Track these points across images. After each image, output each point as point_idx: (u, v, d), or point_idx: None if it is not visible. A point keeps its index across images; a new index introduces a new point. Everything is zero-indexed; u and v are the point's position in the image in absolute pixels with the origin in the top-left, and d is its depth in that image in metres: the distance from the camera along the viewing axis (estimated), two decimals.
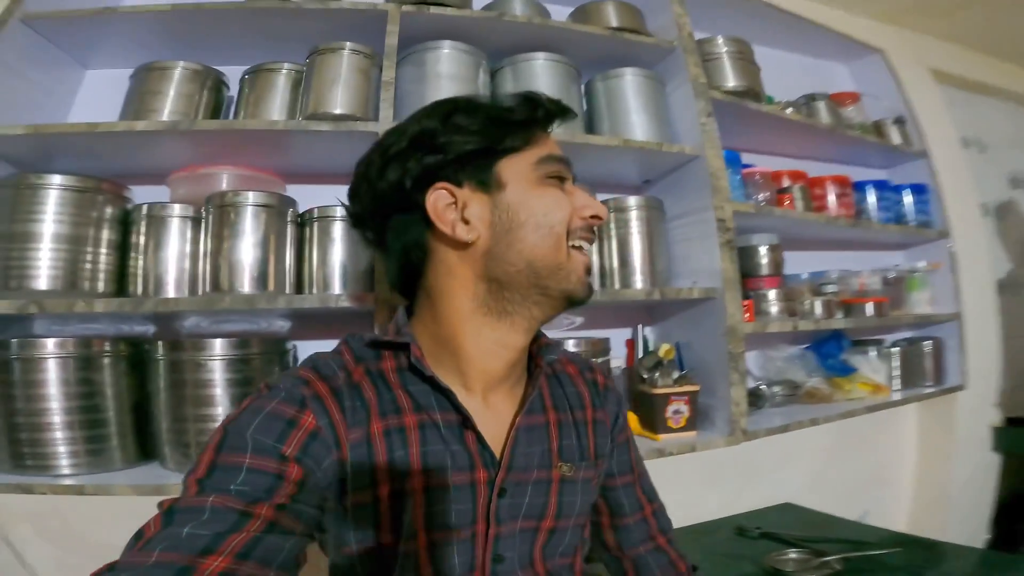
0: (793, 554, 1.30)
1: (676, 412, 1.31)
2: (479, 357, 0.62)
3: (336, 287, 1.15)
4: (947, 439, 1.94)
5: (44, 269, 1.02)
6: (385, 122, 1.10)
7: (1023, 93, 2.55)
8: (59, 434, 1.01)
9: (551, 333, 1.43)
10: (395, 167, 0.61)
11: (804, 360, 1.73)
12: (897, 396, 1.75)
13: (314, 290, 1.14)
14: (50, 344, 1.00)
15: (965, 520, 1.91)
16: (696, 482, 1.61)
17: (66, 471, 1.01)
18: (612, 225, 1.38)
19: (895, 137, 1.96)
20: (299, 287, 1.16)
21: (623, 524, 0.77)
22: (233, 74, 1.26)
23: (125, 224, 1.11)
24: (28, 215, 1.01)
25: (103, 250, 1.08)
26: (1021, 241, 2.44)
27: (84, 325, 1.20)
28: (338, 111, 1.12)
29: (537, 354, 0.69)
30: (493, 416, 0.63)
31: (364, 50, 1.18)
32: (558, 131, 0.68)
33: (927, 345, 1.87)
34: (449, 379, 0.62)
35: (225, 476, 0.48)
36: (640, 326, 1.49)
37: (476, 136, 0.60)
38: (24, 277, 1.01)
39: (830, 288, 1.68)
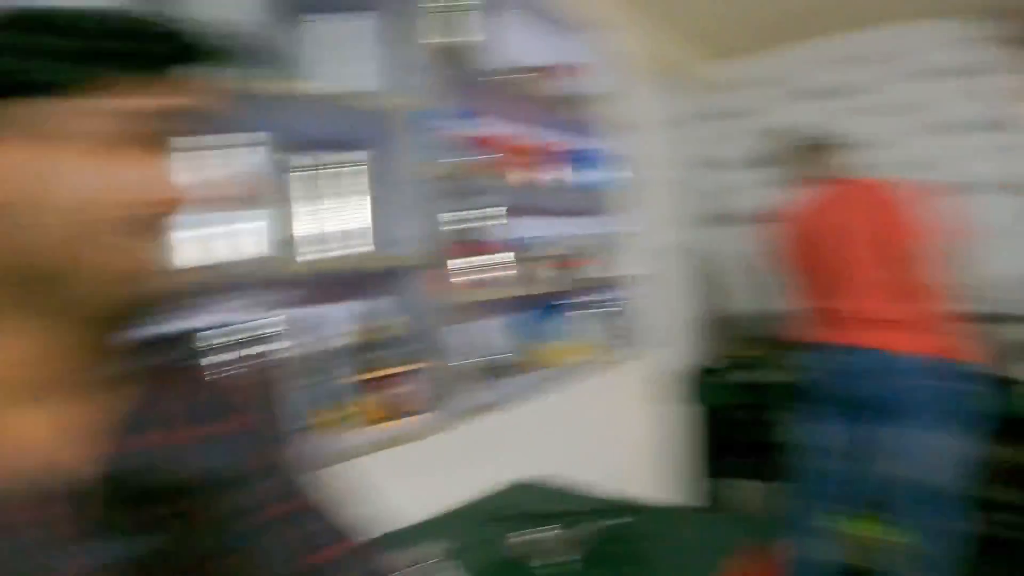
0: (529, 536, 1.16)
1: (385, 401, 1.13)
2: None
3: None
4: (643, 397, 2.15)
5: None
6: None
7: (712, 80, 2.94)
8: None
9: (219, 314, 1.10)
10: None
11: (512, 331, 1.69)
12: (598, 360, 1.82)
13: None
14: None
15: (672, 475, 2.11)
16: (412, 474, 1.42)
17: None
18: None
19: (591, 110, 1.93)
20: None
21: None
22: None
23: None
24: None
25: None
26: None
27: None
28: None
29: None
30: None
31: None
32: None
33: (619, 307, 1.95)
34: None
35: None
36: (352, 302, 1.25)
37: None
38: None
39: (532, 254, 1.65)
